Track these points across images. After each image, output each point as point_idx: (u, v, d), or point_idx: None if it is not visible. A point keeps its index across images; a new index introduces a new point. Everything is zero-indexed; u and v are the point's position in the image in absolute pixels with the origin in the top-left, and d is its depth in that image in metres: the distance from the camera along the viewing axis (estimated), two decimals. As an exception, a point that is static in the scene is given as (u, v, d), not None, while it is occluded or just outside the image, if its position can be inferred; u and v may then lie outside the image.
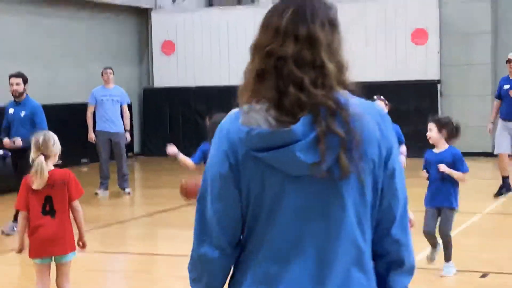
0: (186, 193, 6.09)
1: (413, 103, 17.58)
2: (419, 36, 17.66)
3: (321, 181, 2.00)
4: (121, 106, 12.79)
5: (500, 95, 11.89)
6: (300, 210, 2.01)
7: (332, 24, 2.12)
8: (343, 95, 2.07)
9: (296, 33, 2.05)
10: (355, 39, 17.91)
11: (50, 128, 16.31)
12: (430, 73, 17.63)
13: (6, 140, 9.62)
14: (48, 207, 5.53)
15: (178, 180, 6.23)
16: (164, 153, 20.83)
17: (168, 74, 19.44)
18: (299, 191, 2.01)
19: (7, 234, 9.39)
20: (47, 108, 16.62)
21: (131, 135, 13.44)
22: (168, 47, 19.48)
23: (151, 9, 19.50)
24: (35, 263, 5.61)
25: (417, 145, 17.43)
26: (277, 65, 2.04)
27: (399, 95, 17.61)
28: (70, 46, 17.45)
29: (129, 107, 13.21)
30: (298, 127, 1.99)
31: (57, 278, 5.69)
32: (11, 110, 9.76)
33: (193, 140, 18.62)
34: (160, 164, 16.99)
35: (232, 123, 2.10)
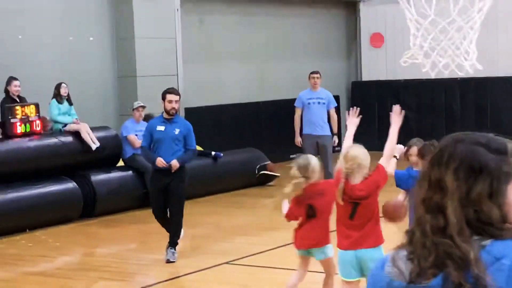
0: (386, 214, 5.98)
1: None
2: None
3: None
4: (328, 110, 12.73)
5: None
6: None
7: (473, 171, 1.91)
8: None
9: (429, 177, 1.95)
10: None
11: (261, 124, 16.95)
12: None
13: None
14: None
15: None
16: (372, 148, 20.70)
17: (376, 67, 19.15)
18: None
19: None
20: (260, 105, 17.22)
21: (339, 132, 13.32)
22: (377, 39, 19.17)
23: (359, 1, 19.28)
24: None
25: None
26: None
27: None
28: (278, 43, 17.65)
29: (338, 101, 13.07)
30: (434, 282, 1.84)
31: None
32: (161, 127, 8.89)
33: (400, 135, 18.24)
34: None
35: (379, 269, 1.96)
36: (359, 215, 5.71)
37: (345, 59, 19.75)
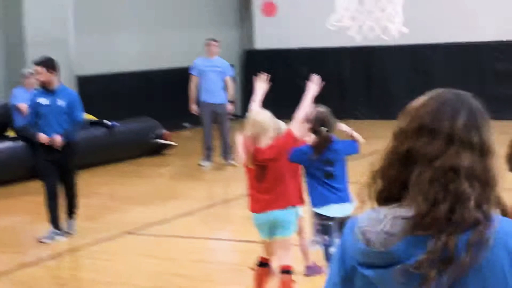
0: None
1: (524, 64, 16.78)
2: (532, -7, 16.78)
3: None
4: (224, 78, 12.68)
5: None
6: None
7: (491, 127, 1.90)
8: (493, 214, 1.81)
9: (471, 141, 1.83)
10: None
11: (155, 93, 16.73)
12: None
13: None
14: None
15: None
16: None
17: (269, 35, 19.21)
18: None
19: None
20: (152, 73, 16.98)
21: (235, 100, 13.30)
22: (269, 8, 19.22)
23: (251, -31, 19.25)
24: None
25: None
26: (447, 177, 1.79)
27: (508, 55, 16.89)
28: (170, 10, 17.43)
29: (232, 77, 13.04)
30: (400, 246, 1.77)
31: None
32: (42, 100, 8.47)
33: (294, 102, 18.45)
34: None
35: (348, 230, 1.89)
36: (267, 178, 5.76)
37: (238, 27, 19.71)
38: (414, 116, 1.89)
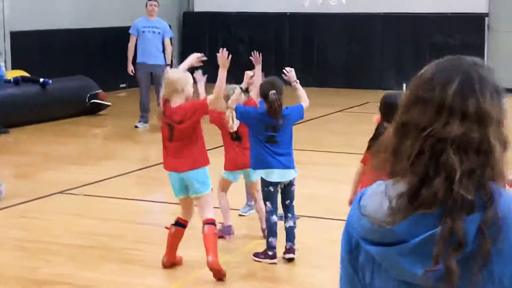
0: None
1: (459, 37, 17.10)
2: (469, -34, 17.04)
3: None
4: (163, 40, 12.58)
5: None
6: None
7: (498, 93, 1.76)
8: (497, 188, 1.70)
9: (464, 109, 1.71)
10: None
11: (90, 52, 16.46)
12: (478, 6, 17.07)
13: None
14: None
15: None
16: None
17: (209, -2, 19.08)
18: None
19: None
20: (87, 32, 16.69)
21: (172, 62, 13.21)
22: (210, -30, 19.06)
23: None
24: None
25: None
26: (435, 149, 1.70)
27: (445, 29, 17.18)
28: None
29: (171, 39, 12.94)
30: (403, 224, 1.70)
31: None
32: None
33: (232, 67, 18.42)
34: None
35: (356, 204, 1.82)
36: (176, 138, 5.89)
37: (177, -12, 19.51)
38: (411, 87, 1.82)
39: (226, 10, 18.82)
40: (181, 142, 5.87)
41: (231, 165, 6.91)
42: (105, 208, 8.02)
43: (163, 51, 12.61)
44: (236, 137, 6.85)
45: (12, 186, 8.53)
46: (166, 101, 5.84)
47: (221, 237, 6.69)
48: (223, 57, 6.06)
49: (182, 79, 5.84)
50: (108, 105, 14.02)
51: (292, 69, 6.56)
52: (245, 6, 18.65)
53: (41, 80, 13.05)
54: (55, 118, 13.04)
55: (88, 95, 13.73)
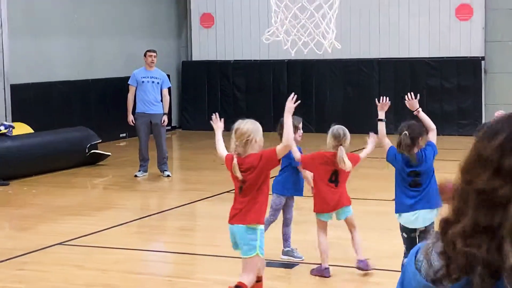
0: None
1: (455, 80, 17.24)
2: (463, 11, 17.26)
3: None
4: (161, 90, 12.70)
5: None
6: None
7: None
8: None
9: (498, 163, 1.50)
10: (398, 13, 17.55)
11: (91, 102, 16.60)
12: (474, 50, 17.24)
13: None
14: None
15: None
16: (202, 128, 20.78)
17: (206, 47, 19.29)
18: None
19: None
20: (89, 83, 16.84)
21: (169, 108, 13.26)
22: (207, 19, 19.30)
23: (190, -20, 19.31)
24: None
25: (459, 123, 17.25)
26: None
27: (442, 72, 17.32)
28: (108, 19, 17.35)
29: (169, 89, 13.06)
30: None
31: None
32: None
33: (230, 113, 18.56)
34: (198, 139, 16.98)
35: (413, 254, 1.67)
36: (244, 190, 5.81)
37: (175, 38, 19.74)
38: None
39: (224, 59, 19.01)
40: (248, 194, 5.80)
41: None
42: (105, 258, 8.00)
43: (162, 100, 12.71)
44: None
45: (11, 238, 8.53)
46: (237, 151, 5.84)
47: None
48: (290, 102, 5.99)
49: (251, 128, 5.78)
50: (108, 155, 14.08)
51: (415, 98, 6.86)
52: (242, 54, 18.83)
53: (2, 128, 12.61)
54: (55, 169, 13.08)
55: (88, 146, 13.79)
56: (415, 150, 6.46)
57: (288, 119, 5.85)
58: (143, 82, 12.62)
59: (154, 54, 12.83)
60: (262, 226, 5.77)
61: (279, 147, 5.69)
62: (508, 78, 17.04)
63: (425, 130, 6.64)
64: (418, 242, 6.00)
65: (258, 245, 5.68)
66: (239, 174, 5.67)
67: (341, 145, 7.01)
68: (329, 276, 6.96)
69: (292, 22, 9.44)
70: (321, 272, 6.94)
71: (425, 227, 6.36)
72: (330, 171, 7.04)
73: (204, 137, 17.72)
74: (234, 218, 5.76)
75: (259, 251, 5.68)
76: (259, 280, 5.95)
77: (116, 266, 7.67)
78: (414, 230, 6.40)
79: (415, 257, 1.64)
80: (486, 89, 17.25)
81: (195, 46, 19.54)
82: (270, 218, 7.41)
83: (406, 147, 6.41)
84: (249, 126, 5.71)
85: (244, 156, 5.71)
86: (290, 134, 5.78)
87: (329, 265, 7.01)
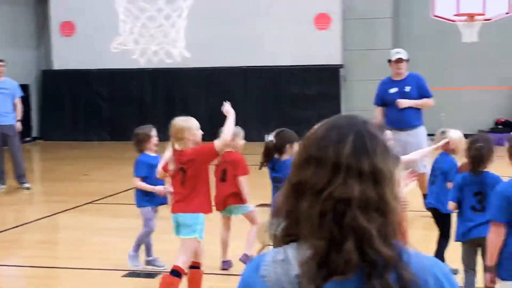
0: None
1: (316, 88, 17.65)
2: (321, 20, 17.72)
3: None
4: (14, 100, 12.28)
5: (384, 101, 9.58)
6: None
7: (388, 152, 1.70)
8: (402, 246, 1.66)
9: (360, 168, 1.64)
10: (263, 22, 17.80)
11: None
12: (333, 58, 17.73)
13: None
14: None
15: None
16: (64, 138, 20.12)
17: (68, 56, 18.87)
18: None
19: None
20: None
21: (28, 119, 12.89)
22: (67, 28, 18.90)
23: (48, -12, 18.86)
24: None
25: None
26: (337, 210, 1.61)
27: (303, 80, 17.70)
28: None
29: (27, 90, 12.65)
30: None
31: None
32: None
33: (94, 122, 18.26)
34: (60, 150, 16.57)
35: (253, 273, 1.69)
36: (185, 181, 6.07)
37: (34, 47, 19.21)
38: (302, 146, 1.74)
39: (86, 68, 18.66)
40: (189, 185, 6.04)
41: None
42: None
43: (14, 110, 12.29)
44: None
45: None
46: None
47: None
48: (226, 106, 6.39)
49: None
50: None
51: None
52: (103, 63, 18.54)
53: None
54: None
55: None
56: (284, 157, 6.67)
57: (230, 120, 6.28)
58: (-7, 93, 12.15)
59: (2, 63, 12.33)
60: (203, 215, 6.02)
61: (217, 142, 6.07)
62: (365, 85, 17.61)
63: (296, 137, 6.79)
64: None
65: (199, 229, 5.93)
66: (176, 167, 5.99)
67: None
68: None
69: (141, 32, 9.43)
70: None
71: None
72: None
73: (66, 147, 17.35)
74: (177, 207, 6.00)
75: (199, 234, 5.95)
76: (197, 266, 6.15)
77: None
78: None
79: (258, 269, 1.68)
80: (345, 96, 17.78)
81: (55, 55, 19.07)
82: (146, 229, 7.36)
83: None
84: (181, 124, 6.13)
85: (182, 150, 6.02)
86: (231, 130, 6.23)
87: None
